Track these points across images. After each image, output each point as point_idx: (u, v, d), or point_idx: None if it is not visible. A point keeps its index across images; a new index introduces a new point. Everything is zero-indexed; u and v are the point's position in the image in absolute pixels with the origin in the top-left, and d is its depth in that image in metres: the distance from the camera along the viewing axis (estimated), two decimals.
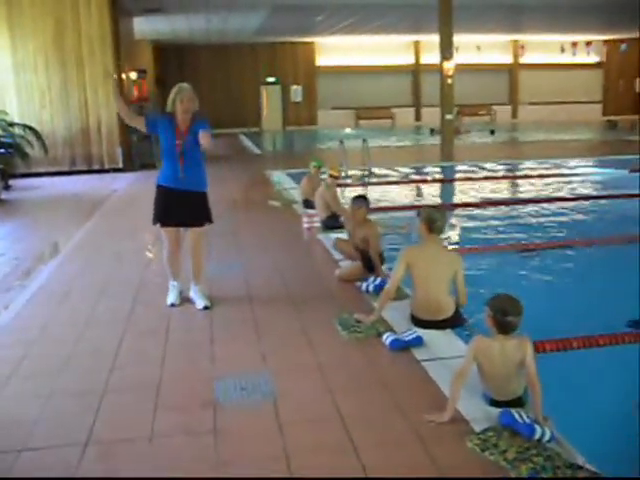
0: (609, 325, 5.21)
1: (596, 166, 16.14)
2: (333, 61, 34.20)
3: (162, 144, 5.53)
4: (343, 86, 34.36)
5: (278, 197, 11.38)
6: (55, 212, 11.23)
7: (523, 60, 36.63)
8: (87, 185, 14.43)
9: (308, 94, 34.45)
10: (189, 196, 5.54)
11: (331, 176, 8.55)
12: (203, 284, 5.86)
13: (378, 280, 5.85)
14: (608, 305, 5.88)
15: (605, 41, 36.04)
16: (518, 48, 36.42)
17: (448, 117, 17.50)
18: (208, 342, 4.87)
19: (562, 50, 35.85)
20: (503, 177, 15.01)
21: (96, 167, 16.27)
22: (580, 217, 10.17)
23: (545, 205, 10.93)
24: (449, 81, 17.23)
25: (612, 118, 32.47)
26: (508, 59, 36.66)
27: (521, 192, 12.95)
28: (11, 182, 13.95)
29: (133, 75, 19.51)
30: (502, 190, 13.16)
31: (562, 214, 10.29)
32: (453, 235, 8.95)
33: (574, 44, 35.59)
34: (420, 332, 4.73)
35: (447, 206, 10.78)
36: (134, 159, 16.56)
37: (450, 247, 7.75)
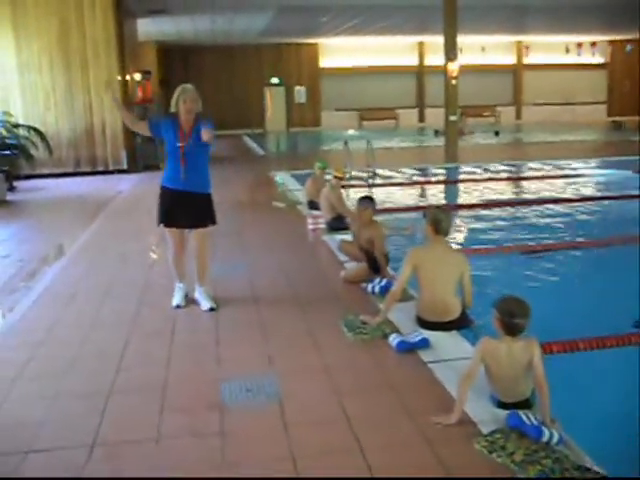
0: (616, 326, 5.20)
1: (601, 167, 16.09)
2: (337, 62, 34.18)
3: (165, 145, 5.54)
4: (347, 87, 34.33)
5: (282, 198, 11.37)
6: (60, 213, 11.24)
7: (527, 61, 36.56)
8: (91, 186, 14.44)
9: (312, 95, 34.44)
10: (192, 197, 5.54)
11: (336, 177, 8.55)
12: (208, 285, 5.85)
13: (384, 281, 5.84)
14: (615, 306, 5.86)
15: (610, 42, 35.96)
16: (522, 49, 36.35)
17: (452, 118, 17.49)
18: (214, 344, 4.87)
19: (567, 51, 35.77)
20: (508, 178, 14.97)
21: (100, 168, 16.28)
22: (585, 218, 10.15)
23: (550, 206, 10.90)
24: (453, 82, 17.22)
25: (617, 119, 32.39)
26: (512, 60, 36.59)
27: (526, 193, 12.93)
28: (16, 183, 13.97)
29: (137, 76, 19.52)
30: (507, 191, 13.15)
31: (567, 215, 10.26)
32: (458, 236, 8.93)
33: (579, 45, 35.51)
34: (426, 334, 4.71)
35: (452, 207, 10.75)
36: (138, 160, 16.57)
37: (455, 248, 7.72)
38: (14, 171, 14.08)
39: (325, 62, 34.38)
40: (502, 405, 3.69)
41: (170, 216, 5.60)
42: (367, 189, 12.46)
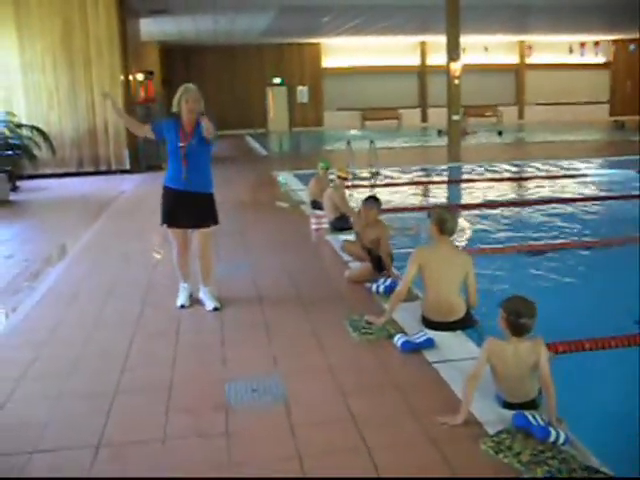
0: (620, 326, 5.20)
1: (604, 167, 16.07)
2: (339, 62, 34.18)
3: (167, 146, 5.54)
4: (349, 87, 34.33)
5: (285, 198, 11.37)
6: (63, 213, 11.24)
7: (529, 61, 36.54)
8: (94, 186, 14.45)
9: (314, 95, 34.44)
10: (194, 197, 5.53)
11: (339, 177, 8.54)
12: (213, 285, 5.84)
13: (388, 281, 5.83)
14: (619, 306, 5.85)
15: (613, 41, 35.91)
16: (525, 49, 36.33)
17: (455, 118, 17.46)
18: (219, 344, 4.86)
19: (570, 51, 35.73)
20: (511, 178, 14.96)
21: (103, 168, 16.29)
22: (588, 217, 10.13)
23: (552, 206, 10.88)
24: (456, 82, 17.19)
25: (619, 118, 32.35)
26: (514, 60, 36.57)
27: (529, 193, 12.90)
28: (19, 183, 13.99)
29: (140, 76, 19.54)
30: (510, 191, 13.14)
31: (570, 214, 10.25)
32: (462, 236, 8.91)
33: (582, 44, 35.46)
34: (431, 334, 4.71)
35: (455, 207, 10.74)
36: (141, 160, 16.56)
37: (460, 248, 7.71)
38: (17, 171, 14.10)
39: (327, 62, 34.38)
40: (508, 405, 3.68)
41: (173, 216, 5.60)
42: (370, 189, 12.45)
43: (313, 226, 8.81)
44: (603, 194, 12.44)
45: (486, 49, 34.15)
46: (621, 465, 3.27)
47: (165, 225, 5.67)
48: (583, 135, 25.64)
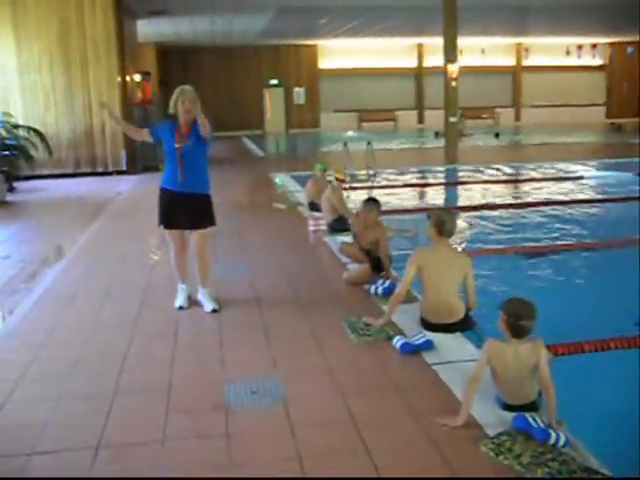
0: (619, 327, 5.20)
1: (602, 169, 16.09)
2: (336, 64, 34.21)
3: (164, 147, 5.55)
4: (346, 89, 34.36)
5: (283, 199, 11.36)
6: (60, 214, 11.22)
7: (526, 63, 36.61)
8: (91, 187, 14.43)
9: (311, 97, 34.46)
10: (191, 199, 5.52)
11: (337, 179, 8.54)
12: (211, 287, 5.83)
13: (387, 283, 5.83)
14: (619, 307, 5.86)
15: (610, 44, 35.98)
16: (521, 51, 36.40)
17: (452, 120, 17.48)
18: (217, 345, 4.85)
19: (567, 53, 35.78)
20: (508, 180, 14.97)
21: (100, 169, 16.27)
22: (587, 220, 10.15)
23: (551, 208, 10.89)
24: (453, 84, 17.23)
25: (615, 121, 32.41)
26: (511, 62, 36.64)
27: (527, 195, 12.90)
28: (15, 184, 13.96)
29: (137, 77, 19.52)
30: (508, 193, 13.13)
31: (568, 217, 10.26)
32: (459, 238, 8.91)
33: (580, 47, 35.52)
34: (430, 335, 4.70)
35: (453, 209, 10.74)
36: (137, 161, 16.54)
37: (459, 250, 7.71)
38: (14, 172, 14.07)
39: (324, 63, 34.42)
40: (508, 407, 3.68)
41: (170, 218, 5.59)
42: (367, 191, 12.45)
43: (311, 228, 8.81)
44: (602, 196, 12.46)
45: (483, 51, 34.22)
46: (621, 466, 3.27)
47: (162, 226, 5.67)
48: (580, 137, 25.68)
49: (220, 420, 3.69)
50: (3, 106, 15.17)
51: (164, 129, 5.52)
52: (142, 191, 13.27)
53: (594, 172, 15.79)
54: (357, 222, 6.88)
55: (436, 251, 5.03)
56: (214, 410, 3.82)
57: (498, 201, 11.86)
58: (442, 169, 16.54)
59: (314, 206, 9.63)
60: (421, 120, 35.62)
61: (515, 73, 36.83)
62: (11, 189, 13.50)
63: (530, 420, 3.40)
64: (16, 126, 14.62)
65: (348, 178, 9.45)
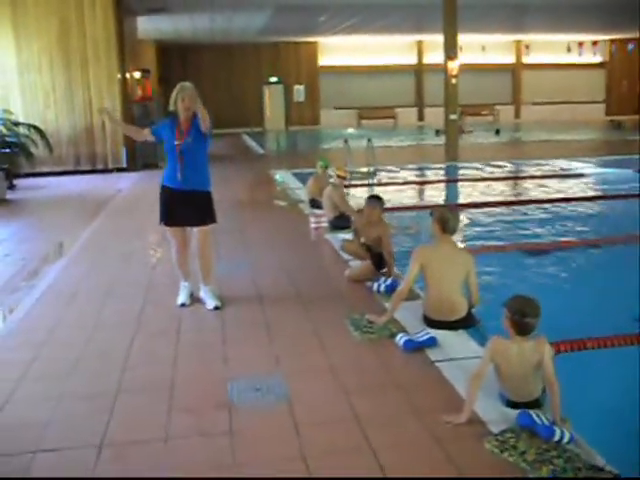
0: (620, 325, 5.20)
1: (602, 166, 16.07)
2: (335, 61, 34.18)
3: (165, 145, 5.54)
4: (345, 86, 34.33)
5: (283, 197, 11.34)
6: (60, 212, 11.20)
7: (526, 60, 36.58)
8: (91, 185, 14.41)
9: (311, 94, 34.44)
10: (192, 196, 5.51)
11: (338, 176, 8.53)
12: (213, 284, 5.82)
13: (389, 280, 5.82)
14: (620, 304, 5.85)
15: (610, 41, 35.93)
16: (521, 48, 36.36)
17: (452, 117, 17.46)
18: (220, 343, 4.84)
19: (568, 50, 35.72)
20: (509, 177, 14.96)
21: (100, 167, 16.25)
22: (589, 217, 10.14)
23: (552, 205, 10.88)
24: (453, 81, 17.20)
25: (615, 118, 32.39)
26: (511, 59, 36.61)
27: (528, 192, 12.89)
28: (16, 182, 13.92)
29: (137, 75, 19.50)
30: (508, 190, 13.12)
31: (569, 214, 10.25)
32: (461, 235, 8.90)
33: (580, 44, 35.47)
34: (433, 333, 4.69)
35: (455, 206, 10.73)
36: (137, 159, 16.52)
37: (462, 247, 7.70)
38: (14, 169, 14.03)
39: (324, 61, 34.38)
40: (512, 404, 3.67)
41: (171, 215, 5.58)
42: (368, 188, 12.44)
43: (312, 225, 8.80)
44: (602, 193, 12.45)
45: (483, 48, 34.16)
46: (624, 463, 3.26)
47: (163, 224, 5.66)
48: (580, 135, 25.65)
49: (223, 418, 3.68)
50: (3, 104, 15.12)
51: (164, 127, 5.53)
52: (142, 188, 13.25)
53: (594, 169, 15.76)
54: (359, 218, 6.87)
55: (439, 248, 5.02)
56: (217, 408, 3.80)
57: (499, 198, 11.85)
58: (443, 166, 16.51)
59: (315, 203, 9.61)
60: (421, 117, 35.60)
61: (515, 70, 36.80)
62: (11, 187, 13.46)
63: (534, 417, 3.39)
64: (16, 123, 14.58)
65: (349, 175, 9.44)
